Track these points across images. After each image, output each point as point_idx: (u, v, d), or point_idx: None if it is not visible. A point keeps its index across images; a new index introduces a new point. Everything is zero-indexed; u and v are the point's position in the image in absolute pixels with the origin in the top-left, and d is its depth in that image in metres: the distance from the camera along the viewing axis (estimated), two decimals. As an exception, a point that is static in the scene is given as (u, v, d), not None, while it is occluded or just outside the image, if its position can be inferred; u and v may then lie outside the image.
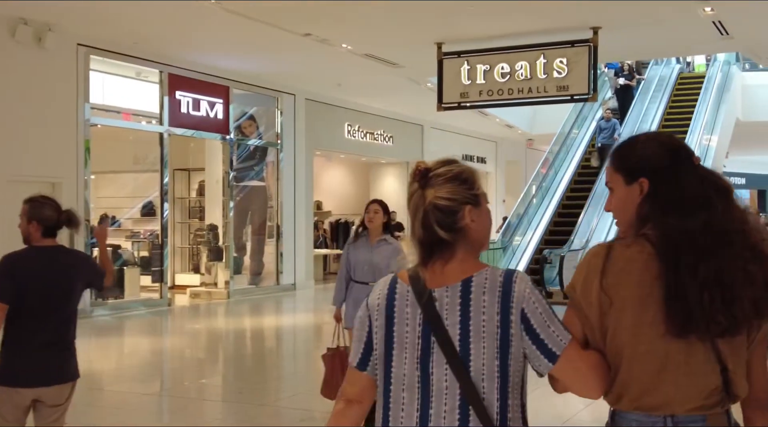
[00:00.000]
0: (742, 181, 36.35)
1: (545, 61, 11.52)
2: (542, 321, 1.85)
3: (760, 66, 24.71)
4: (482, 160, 25.43)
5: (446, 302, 1.88)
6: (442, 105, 12.35)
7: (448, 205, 1.91)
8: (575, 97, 11.73)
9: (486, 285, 1.87)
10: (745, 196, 39.33)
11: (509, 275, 1.88)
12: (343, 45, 12.75)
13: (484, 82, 11.99)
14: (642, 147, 2.03)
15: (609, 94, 20.67)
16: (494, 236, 20.64)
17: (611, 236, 13.63)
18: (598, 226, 16.32)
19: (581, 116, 20.17)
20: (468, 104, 12.57)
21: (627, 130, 19.17)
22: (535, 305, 1.86)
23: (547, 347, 1.85)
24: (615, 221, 2.08)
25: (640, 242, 1.92)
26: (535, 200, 17.82)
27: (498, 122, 21.89)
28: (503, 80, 11.86)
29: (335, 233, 21.24)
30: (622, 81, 20.22)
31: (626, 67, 20.38)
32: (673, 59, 23.39)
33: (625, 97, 20.25)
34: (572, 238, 15.42)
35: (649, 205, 1.95)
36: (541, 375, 1.92)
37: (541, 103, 12.89)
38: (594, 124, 19.41)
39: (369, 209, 6.05)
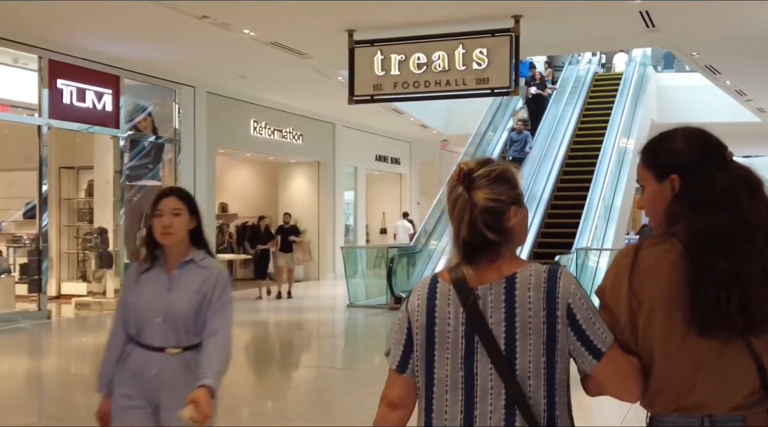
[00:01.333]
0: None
1: (464, 51, 10.69)
2: (588, 318, 1.85)
3: (674, 67, 24.86)
4: (396, 161, 24.64)
5: (490, 300, 1.88)
6: (354, 98, 11.38)
7: (496, 207, 1.91)
8: (496, 91, 10.94)
9: (531, 281, 1.87)
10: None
11: (553, 271, 1.89)
12: (246, 31, 11.63)
13: (398, 73, 11.08)
14: (672, 142, 1.98)
15: (520, 103, 19.88)
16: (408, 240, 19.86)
17: (530, 238, 12.20)
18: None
19: (497, 117, 19.58)
20: (382, 97, 11.64)
21: (541, 138, 18.59)
22: (581, 301, 1.86)
23: (593, 344, 1.85)
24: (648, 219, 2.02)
25: (670, 241, 1.91)
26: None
27: (412, 122, 21.12)
28: (419, 72, 10.98)
29: (241, 237, 19.96)
30: (533, 90, 19.52)
31: (538, 77, 19.77)
32: (588, 56, 23.14)
33: (537, 107, 19.51)
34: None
35: (679, 203, 1.93)
36: (585, 374, 1.89)
37: (460, 97, 12.11)
38: (514, 126, 18.75)
39: (162, 209, 3.16)
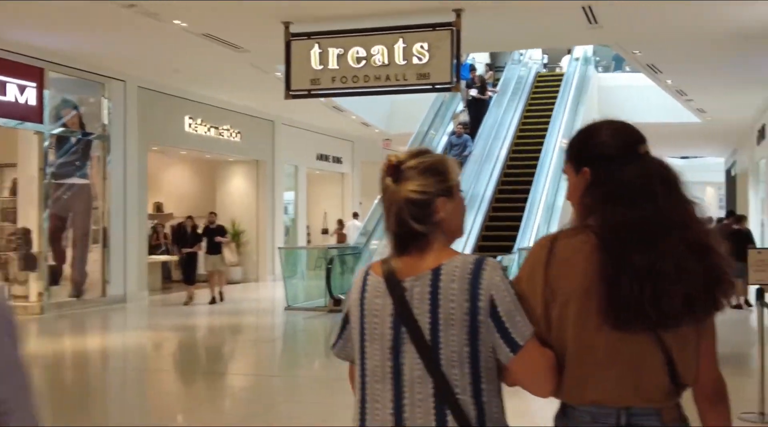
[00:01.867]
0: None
1: (404, 45, 10.34)
2: (509, 310, 1.86)
3: (612, 68, 24.99)
4: (338, 160, 24.26)
5: (416, 292, 1.89)
6: (291, 92, 10.95)
7: (422, 198, 1.91)
8: (437, 86, 10.62)
9: (456, 273, 1.87)
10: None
11: (479, 262, 1.88)
12: (176, 21, 11.11)
13: (337, 67, 10.68)
14: (590, 135, 2.01)
15: (461, 106, 19.59)
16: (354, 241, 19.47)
17: (472, 239, 11.86)
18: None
19: (439, 116, 19.33)
20: (319, 92, 11.22)
21: (483, 137, 18.36)
22: (504, 292, 1.86)
23: (512, 336, 1.85)
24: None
25: (585, 233, 1.92)
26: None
27: (354, 120, 20.77)
28: (359, 66, 10.59)
29: (176, 238, 19.31)
30: (474, 93, 19.18)
31: (477, 80, 19.40)
32: (530, 54, 23.12)
33: (478, 110, 19.12)
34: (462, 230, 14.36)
35: (591, 195, 1.95)
36: (502, 366, 1.89)
37: (401, 92, 11.73)
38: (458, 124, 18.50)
39: None
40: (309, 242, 23.36)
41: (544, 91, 21.00)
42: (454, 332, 1.84)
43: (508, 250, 14.15)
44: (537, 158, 17.14)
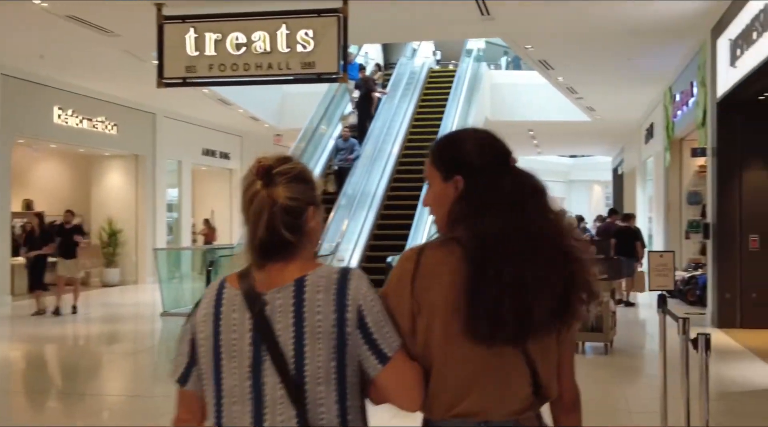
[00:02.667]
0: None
1: (288, 32, 9.64)
2: (378, 321, 1.82)
3: (502, 64, 24.98)
4: (225, 156, 23.28)
5: (278, 305, 1.81)
6: (163, 80, 10.05)
7: (296, 206, 1.85)
8: (323, 76, 9.95)
9: (321, 283, 1.81)
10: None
11: (345, 272, 1.85)
12: (36, 1, 10.07)
13: (214, 54, 9.87)
14: (460, 143, 1.98)
15: (349, 108, 18.76)
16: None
17: (363, 238, 11.10)
18: (349, 228, 14.88)
19: (330, 110, 18.70)
20: (195, 80, 10.37)
21: (373, 137, 17.75)
22: (372, 303, 1.82)
23: (380, 348, 1.81)
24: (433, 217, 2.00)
25: (451, 244, 1.88)
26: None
27: (242, 114, 19.90)
28: (238, 53, 9.81)
29: (27, 238, 17.73)
30: (362, 93, 18.07)
31: (367, 81, 18.35)
32: (423, 51, 22.77)
33: (366, 112, 18.11)
34: (321, 242, 13.76)
35: (462, 206, 1.90)
36: (369, 379, 1.83)
37: (284, 82, 11.07)
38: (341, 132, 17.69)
39: None
40: (195, 241, 22.31)
41: (437, 88, 20.65)
42: (321, 345, 1.77)
43: (400, 250, 13.66)
44: (429, 155, 16.70)
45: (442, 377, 1.85)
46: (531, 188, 1.91)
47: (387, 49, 25.40)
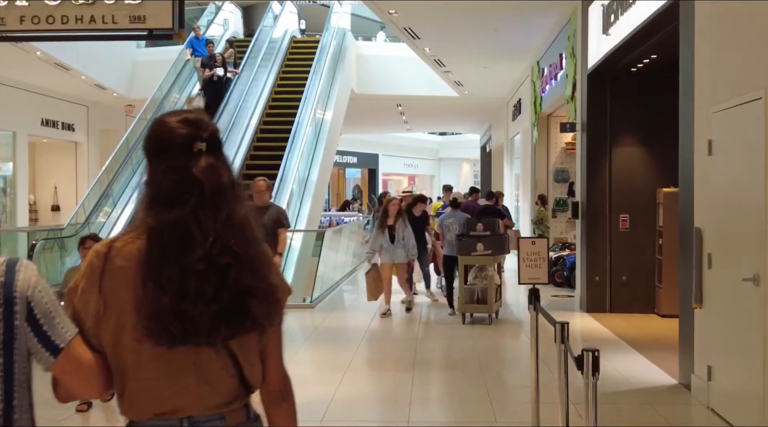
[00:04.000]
0: (354, 160, 36.54)
1: (113, -21, 8.28)
2: (47, 312, 1.73)
3: (379, 41, 24.10)
4: (69, 128, 21.24)
5: None
6: (-38, 33, 8.49)
7: None
8: (155, 32, 8.60)
9: None
10: (356, 176, 39.85)
11: (12, 263, 1.74)
12: None
13: (26, 4, 8.36)
14: (155, 128, 1.87)
15: (196, 89, 17.09)
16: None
17: None
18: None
19: (184, 76, 17.24)
20: (4, 35, 8.83)
21: (226, 114, 16.30)
22: (41, 294, 1.73)
23: (51, 340, 1.74)
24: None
25: (143, 236, 1.80)
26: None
27: (85, 81, 18.07)
28: (54, 3, 8.34)
29: None
30: (212, 73, 16.62)
31: (219, 59, 16.86)
32: (286, 18, 21.57)
33: (216, 93, 16.49)
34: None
35: (145, 193, 1.84)
36: (46, 370, 1.78)
37: (108, 38, 9.72)
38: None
39: None
40: (36, 220, 20.31)
41: (301, 59, 19.47)
42: None
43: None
44: (291, 130, 15.62)
45: (136, 378, 1.80)
46: (215, 179, 1.79)
47: (248, 18, 24.01)
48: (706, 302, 5.70)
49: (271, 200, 9.32)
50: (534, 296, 4.44)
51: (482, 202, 13.85)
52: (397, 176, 42.29)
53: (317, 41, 19.84)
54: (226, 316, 1.75)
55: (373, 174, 39.10)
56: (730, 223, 5.32)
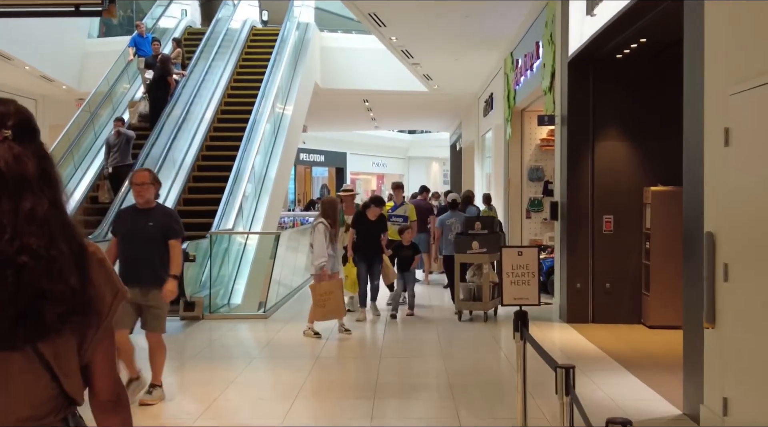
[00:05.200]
0: (321, 158, 35.54)
1: (33, -53, 7.24)
2: None
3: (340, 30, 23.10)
4: (15, 123, 19.97)
5: None
6: None
7: None
8: (82, 9, 7.57)
9: None
10: (323, 175, 38.81)
11: None
12: None
13: (-66, -25, 7.31)
14: None
15: (140, 93, 15.64)
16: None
17: None
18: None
19: (132, 66, 16.11)
20: None
21: (180, 104, 15.10)
22: None
23: None
24: None
25: None
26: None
27: (29, 72, 16.90)
28: (-34, -25, 7.30)
29: None
30: (152, 75, 15.24)
31: (161, 59, 15.24)
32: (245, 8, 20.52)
33: (159, 95, 14.90)
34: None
35: None
36: None
37: (30, 15, 8.57)
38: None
39: None
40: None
41: (261, 50, 18.39)
42: None
43: (207, 228, 11.45)
44: (248, 122, 14.58)
45: None
46: (16, 169, 1.65)
47: (208, 8, 22.90)
48: (720, 320, 4.78)
49: (159, 200, 6.45)
50: (521, 322, 3.49)
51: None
52: (365, 175, 41.36)
53: (278, 32, 18.77)
54: (23, 319, 1.61)
55: (340, 173, 38.10)
56: (752, 227, 4.40)
